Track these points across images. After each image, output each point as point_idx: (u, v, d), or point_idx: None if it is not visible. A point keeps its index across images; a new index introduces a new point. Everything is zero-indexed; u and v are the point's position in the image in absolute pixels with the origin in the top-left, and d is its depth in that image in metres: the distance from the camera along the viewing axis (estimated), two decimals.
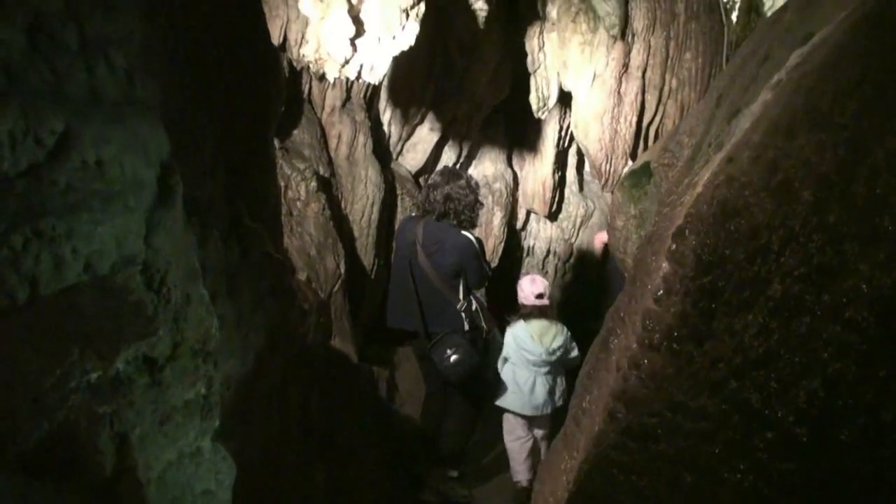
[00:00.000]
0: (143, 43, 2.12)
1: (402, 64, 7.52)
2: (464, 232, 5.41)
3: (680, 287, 3.00)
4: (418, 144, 8.82)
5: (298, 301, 2.93)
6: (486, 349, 5.51)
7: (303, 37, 6.82)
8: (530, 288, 5.71)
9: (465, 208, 5.44)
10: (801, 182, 2.79)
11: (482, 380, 5.54)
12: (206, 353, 1.97)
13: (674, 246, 3.05)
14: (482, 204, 5.73)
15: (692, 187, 3.29)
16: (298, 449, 3.00)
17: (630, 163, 8.60)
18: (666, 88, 8.74)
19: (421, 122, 8.70)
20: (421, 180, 8.87)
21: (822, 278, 2.68)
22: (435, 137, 8.79)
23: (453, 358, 5.19)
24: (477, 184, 5.65)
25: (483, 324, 5.45)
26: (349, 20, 6.03)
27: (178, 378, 1.80)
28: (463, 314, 5.28)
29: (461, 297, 5.28)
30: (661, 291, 3.07)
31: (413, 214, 6.39)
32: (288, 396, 2.94)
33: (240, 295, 2.37)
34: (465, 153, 9.23)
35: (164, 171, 2.05)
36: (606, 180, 8.85)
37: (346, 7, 6.01)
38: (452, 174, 5.69)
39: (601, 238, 8.90)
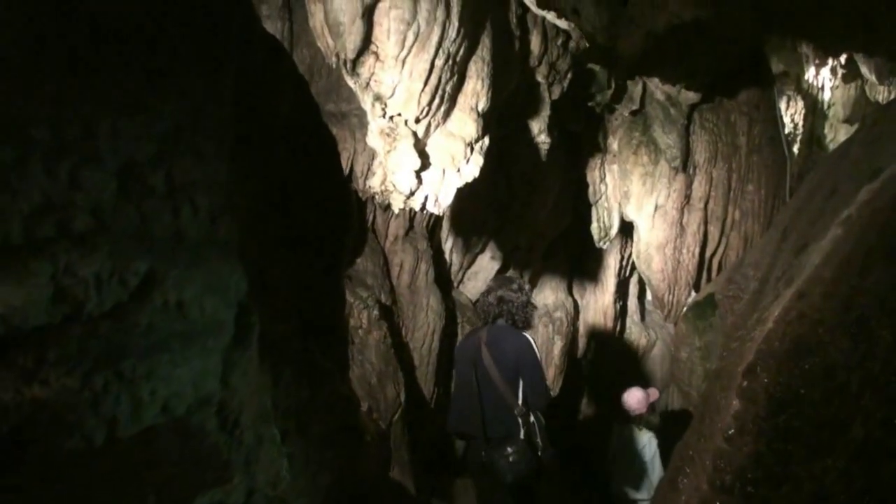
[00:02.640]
0: (226, 185, 2.19)
1: (465, 194, 7.64)
2: (523, 333, 5.51)
3: (752, 426, 2.91)
4: (479, 273, 8.88)
5: (363, 437, 2.90)
6: (539, 470, 5.39)
7: (369, 168, 7.01)
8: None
9: (519, 309, 5.56)
10: (879, 321, 2.72)
11: (533, 495, 5.44)
12: (278, 500, 1.94)
13: (745, 383, 2.98)
14: (535, 306, 5.97)
15: (762, 322, 3.23)
16: None
17: (693, 294, 8.54)
18: (728, 220, 8.74)
19: (482, 250, 8.79)
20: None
21: None
22: (496, 266, 8.86)
23: (513, 458, 5.15)
24: (529, 288, 6.02)
25: (538, 440, 5.38)
26: (415, 153, 6.18)
27: None
28: (520, 420, 5.27)
29: (520, 402, 5.31)
30: (733, 430, 2.98)
31: (473, 328, 6.53)
32: None
33: (309, 434, 2.36)
34: (526, 281, 9.25)
35: (241, 310, 2.08)
36: (669, 311, 8.78)
37: (412, 140, 6.17)
38: (504, 279, 5.89)
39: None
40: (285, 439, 2.16)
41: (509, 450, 5.17)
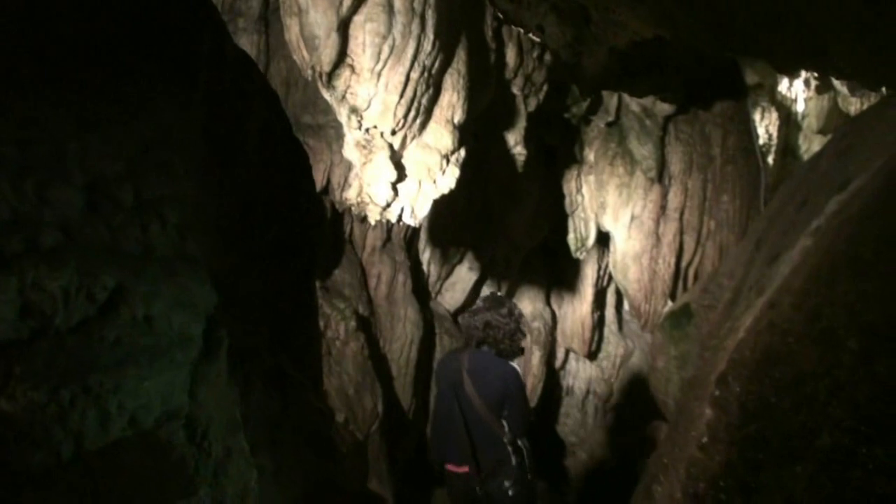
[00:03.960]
0: (195, 200, 2.20)
1: (442, 205, 7.67)
2: (508, 362, 5.28)
3: (725, 435, 2.93)
4: (457, 284, 8.90)
5: (338, 449, 2.91)
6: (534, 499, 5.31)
7: (345, 180, 7.02)
8: None
9: (505, 336, 5.19)
10: (846, 330, 2.76)
11: None
12: None
13: (717, 392, 3.00)
14: (524, 334, 5.61)
15: (734, 332, 3.26)
16: None
17: (670, 303, 8.59)
18: (704, 230, 8.81)
19: (460, 261, 8.81)
20: (459, 318, 8.90)
21: (872, 431, 2.61)
22: (474, 277, 8.88)
23: (511, 491, 4.98)
24: (521, 313, 5.52)
25: (528, 467, 5.25)
26: (391, 165, 6.19)
27: None
28: (510, 447, 5.11)
29: (507, 429, 5.11)
30: (706, 439, 3.00)
31: (454, 348, 6.33)
32: None
33: (280, 446, 2.36)
34: (503, 292, 9.28)
35: (210, 324, 2.09)
36: (646, 321, 8.82)
37: (388, 152, 6.19)
38: (495, 301, 5.52)
39: None
40: (255, 451, 2.16)
41: (506, 483, 5.01)
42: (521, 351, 5.45)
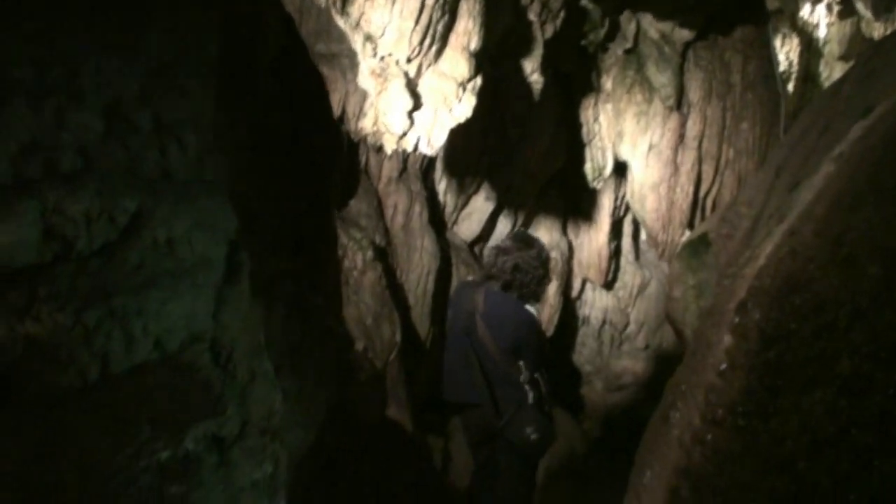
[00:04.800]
0: (213, 124, 2.18)
1: (458, 135, 7.60)
2: (526, 307, 5.20)
3: (744, 361, 2.93)
4: (473, 214, 8.86)
5: (357, 374, 2.93)
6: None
7: (361, 110, 6.96)
8: None
9: (532, 281, 5.06)
10: (868, 257, 2.73)
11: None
12: (272, 432, 1.97)
13: (736, 319, 2.99)
14: (550, 279, 5.51)
15: (754, 259, 3.24)
16: None
17: (687, 232, 8.55)
18: (723, 158, 8.71)
19: (476, 191, 8.76)
20: (476, 249, 8.89)
21: (892, 356, 2.60)
22: (490, 207, 8.84)
23: (534, 436, 4.94)
24: (548, 255, 5.41)
25: (544, 404, 5.22)
26: (407, 93, 6.13)
27: (246, 457, 1.81)
28: (527, 386, 5.07)
29: (524, 369, 5.07)
30: (725, 365, 3.00)
31: (470, 279, 6.26)
32: (343, 469, 2.93)
33: (302, 370, 2.38)
34: (520, 222, 9.25)
35: (231, 248, 2.09)
36: (663, 250, 8.79)
37: (403, 80, 6.12)
38: (524, 241, 5.37)
39: None
40: (278, 375, 2.18)
41: (528, 430, 4.97)
42: (543, 295, 5.36)
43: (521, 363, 5.02)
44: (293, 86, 2.96)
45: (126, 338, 1.88)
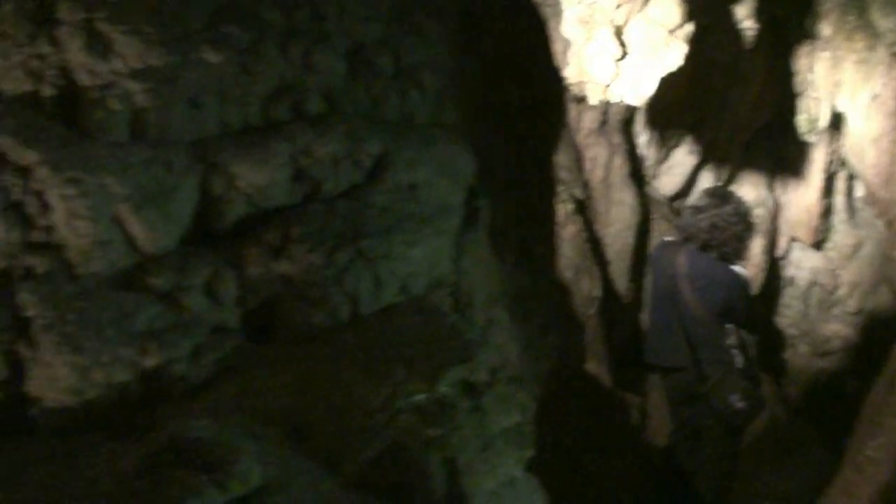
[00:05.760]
0: (451, 68, 2.16)
1: (662, 85, 7.33)
2: (732, 267, 4.96)
3: None
4: (675, 168, 8.55)
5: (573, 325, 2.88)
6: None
7: (564, 59, 6.82)
8: None
9: (731, 238, 4.83)
10: None
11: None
12: (518, 380, 1.95)
13: None
14: (752, 234, 5.23)
15: None
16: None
17: None
18: None
19: (678, 144, 8.44)
20: (676, 204, 8.60)
21: None
22: (692, 161, 8.49)
23: (739, 405, 4.74)
24: (747, 209, 5.14)
25: (753, 369, 5.00)
26: (614, 41, 5.94)
27: (497, 404, 1.79)
28: (735, 350, 4.87)
29: (732, 332, 4.87)
30: None
31: (669, 239, 6.05)
32: (552, 418, 2.88)
33: (530, 320, 2.35)
34: (723, 177, 8.87)
35: (470, 193, 2.07)
36: (884, 208, 8.18)
37: (611, 29, 5.93)
38: (721, 197, 5.12)
39: None
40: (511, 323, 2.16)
41: (734, 397, 4.78)
42: (746, 252, 5.10)
43: (729, 326, 4.82)
44: (519, 29, 2.91)
45: (374, 279, 1.89)
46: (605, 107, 7.65)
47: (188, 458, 1.39)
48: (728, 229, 4.77)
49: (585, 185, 7.53)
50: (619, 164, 7.77)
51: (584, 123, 7.74)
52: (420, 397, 1.60)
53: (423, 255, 1.96)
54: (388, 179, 1.99)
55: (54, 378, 1.69)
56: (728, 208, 4.89)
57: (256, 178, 1.90)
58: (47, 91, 1.94)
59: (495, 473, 1.71)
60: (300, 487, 1.38)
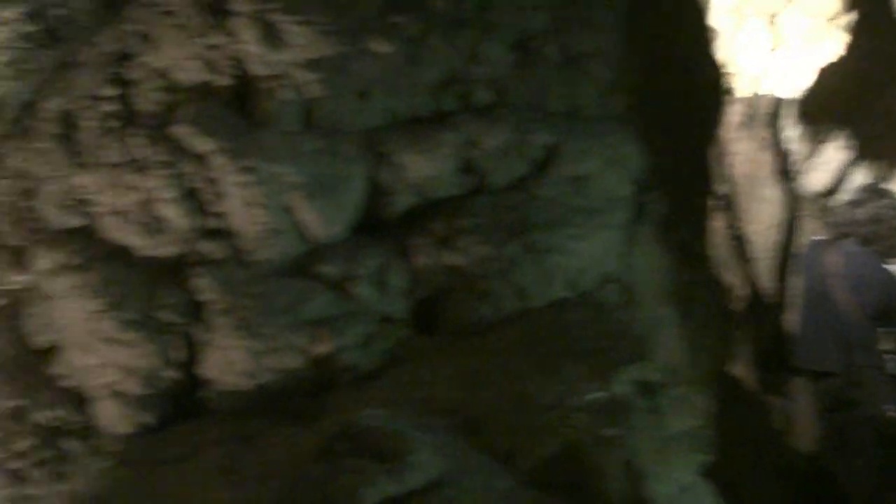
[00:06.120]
0: (619, 57, 2.10)
1: (814, 77, 7.04)
2: (887, 266, 4.75)
3: None
4: (824, 164, 8.20)
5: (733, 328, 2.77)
6: None
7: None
8: None
9: (893, 233, 4.76)
10: None
11: None
12: (695, 383, 1.89)
13: None
14: None
15: None
16: None
17: None
18: None
19: (828, 139, 8.08)
20: (825, 202, 8.23)
21: None
22: (844, 157, 8.12)
23: (893, 414, 4.56)
24: None
25: None
26: (766, 32, 5.73)
27: (674, 406, 1.73)
28: (892, 356, 4.65)
29: (890, 336, 4.65)
30: None
31: (819, 238, 5.81)
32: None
33: (692, 317, 2.27)
34: (878, 174, 8.43)
35: (639, 187, 2.02)
36: None
37: (764, 18, 5.72)
38: (877, 192, 5.00)
39: None
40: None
41: (890, 406, 4.58)
42: None
43: (883, 330, 4.62)
44: (682, 17, 2.82)
45: (542, 273, 1.86)
46: (754, 99, 7.39)
47: (363, 447, 1.39)
48: (888, 221, 4.68)
49: (730, 181, 7.28)
50: (766, 160, 7.48)
51: (729, 117, 7.49)
52: (597, 395, 1.56)
53: (592, 249, 1.91)
54: (556, 172, 1.95)
55: (230, 361, 1.73)
56: (886, 201, 4.75)
57: (424, 169, 1.90)
58: (222, 81, 1.99)
59: (672, 478, 1.65)
60: (475, 482, 1.36)
